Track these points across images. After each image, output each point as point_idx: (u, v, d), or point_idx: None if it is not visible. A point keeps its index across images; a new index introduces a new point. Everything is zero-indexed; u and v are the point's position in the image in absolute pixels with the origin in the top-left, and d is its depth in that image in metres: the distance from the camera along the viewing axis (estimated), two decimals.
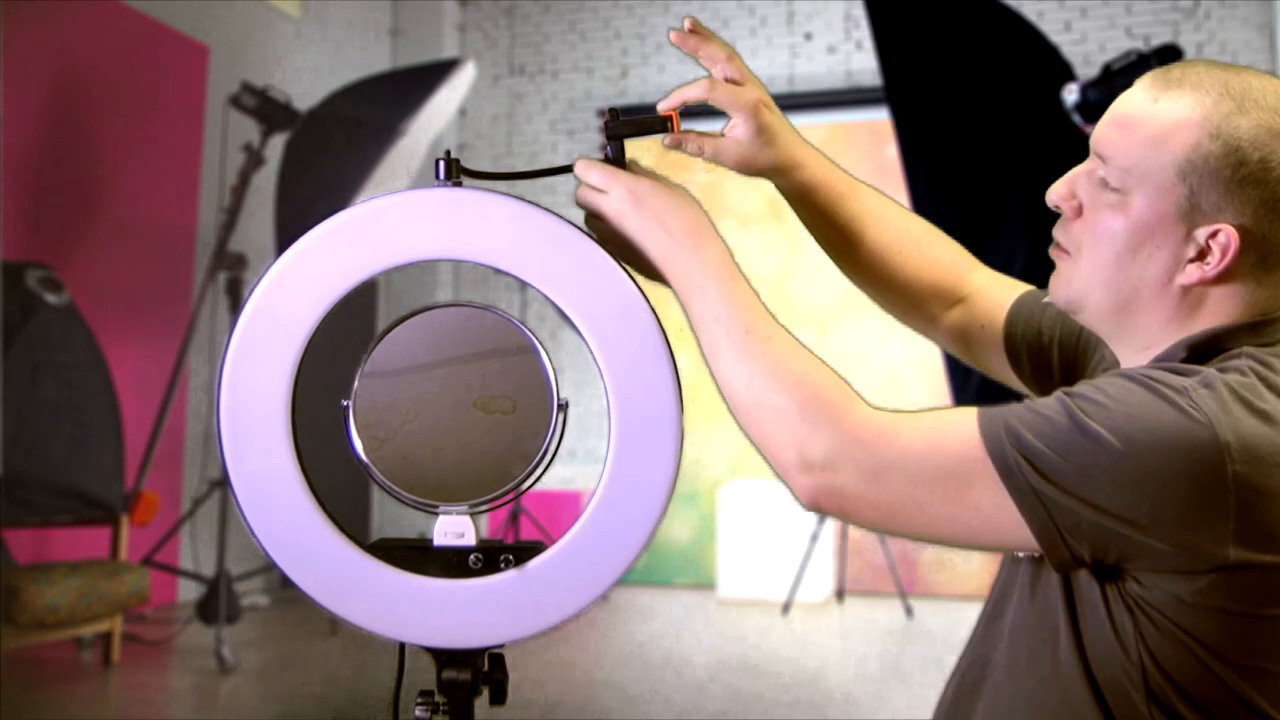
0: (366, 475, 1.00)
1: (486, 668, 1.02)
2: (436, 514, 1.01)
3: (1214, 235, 0.96)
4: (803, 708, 3.97)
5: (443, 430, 1.01)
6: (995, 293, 1.25)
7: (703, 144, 1.13)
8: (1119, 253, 0.99)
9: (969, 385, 4.02)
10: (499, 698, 1.02)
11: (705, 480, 6.56)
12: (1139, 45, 5.97)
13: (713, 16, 6.84)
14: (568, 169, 1.13)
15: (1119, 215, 0.99)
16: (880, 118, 5.90)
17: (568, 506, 6.05)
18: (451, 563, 1.00)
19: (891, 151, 4.53)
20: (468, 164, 1.05)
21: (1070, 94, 3.96)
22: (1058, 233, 1.05)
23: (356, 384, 1.00)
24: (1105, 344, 1.08)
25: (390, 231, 1.00)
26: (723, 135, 1.15)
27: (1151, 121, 0.97)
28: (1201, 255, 0.97)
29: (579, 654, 4.70)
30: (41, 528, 4.49)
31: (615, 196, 1.04)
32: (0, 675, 3.84)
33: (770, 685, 4.27)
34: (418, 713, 0.99)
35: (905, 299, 1.27)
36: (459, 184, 1.03)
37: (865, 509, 0.94)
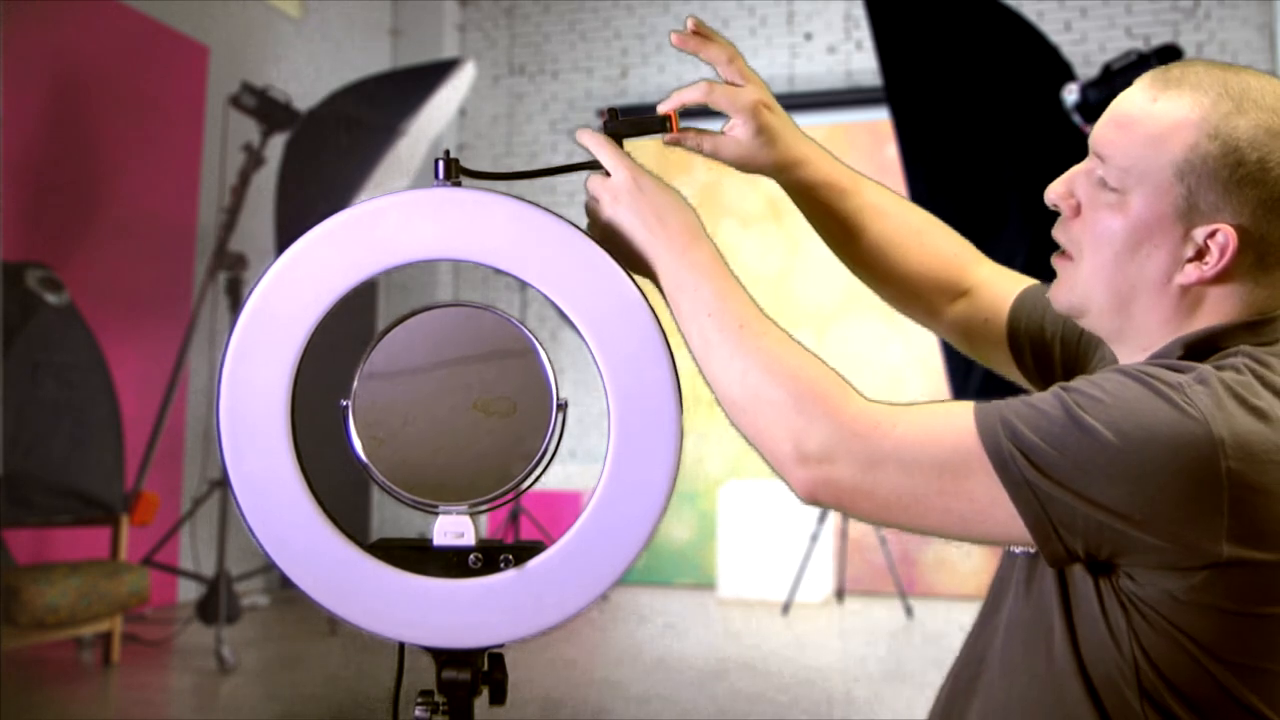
0: (366, 475, 1.00)
1: (486, 667, 1.02)
2: (436, 514, 1.01)
3: (1212, 235, 0.96)
4: (803, 708, 3.97)
5: (442, 430, 1.01)
6: (999, 286, 1.25)
7: (702, 140, 1.14)
8: (1117, 252, 0.99)
9: (969, 385, 4.01)
10: (499, 697, 1.02)
11: (705, 480, 6.56)
12: (1139, 45, 5.97)
13: (713, 16, 6.84)
14: (568, 169, 1.13)
15: (1117, 215, 0.99)
16: (880, 118, 5.90)
17: (568, 506, 6.05)
18: (451, 563, 1.00)
19: (891, 151, 4.53)
20: (467, 164, 1.05)
21: (1070, 94, 3.96)
22: (1057, 233, 1.05)
23: (356, 384, 1.00)
24: (1106, 343, 1.09)
25: (390, 231, 1.00)
26: (722, 134, 1.15)
27: (1150, 121, 0.97)
28: (1200, 255, 0.97)
29: (579, 653, 4.70)
30: (41, 528, 4.49)
31: (618, 179, 1.05)
32: (0, 675, 3.84)
33: (770, 685, 4.27)
34: (417, 713, 0.99)
35: (908, 292, 1.27)
36: (458, 184, 1.04)
37: (861, 500, 0.95)
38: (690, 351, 1.03)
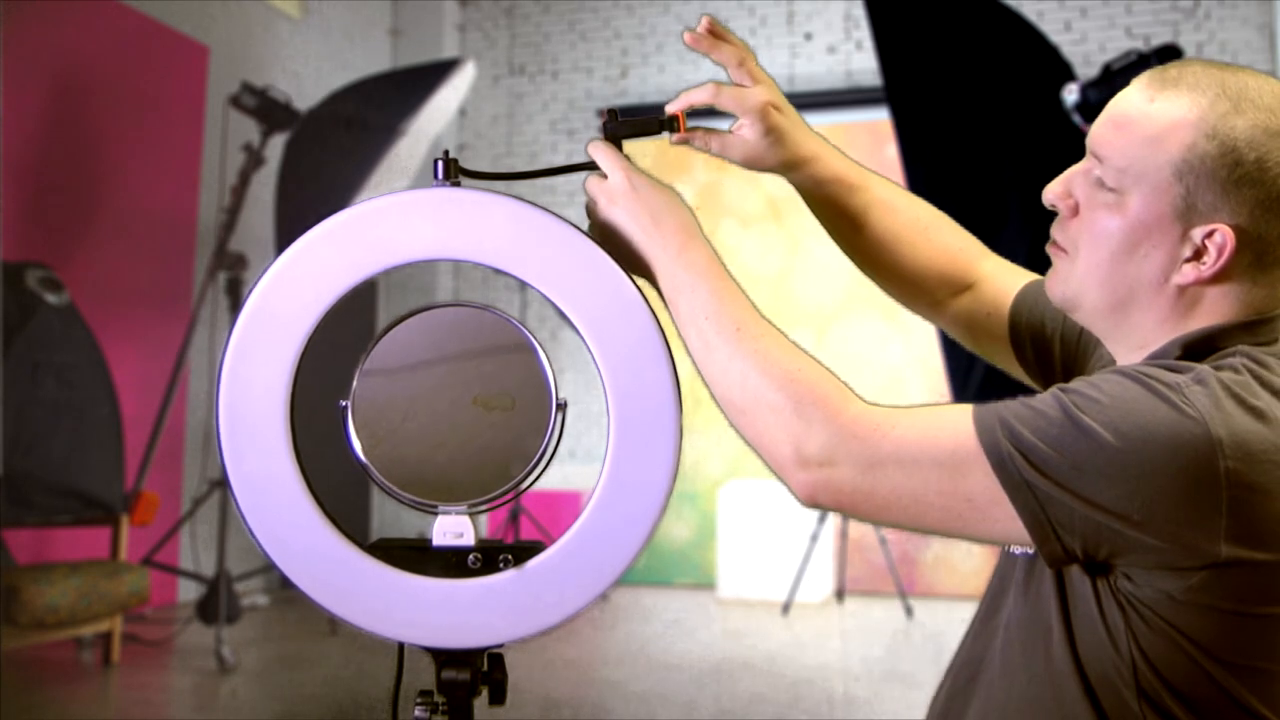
0: (366, 475, 1.00)
1: (486, 667, 1.02)
2: (436, 514, 1.01)
3: (1210, 235, 0.96)
4: (803, 708, 3.98)
5: (442, 430, 1.01)
6: (1003, 280, 1.25)
7: (709, 140, 1.15)
8: (1115, 252, 0.99)
9: (969, 385, 4.01)
10: (498, 697, 1.02)
11: (705, 480, 6.56)
12: (1139, 45, 5.97)
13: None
14: (567, 169, 1.13)
15: (1115, 215, 0.99)
16: (880, 118, 5.90)
17: (567, 506, 6.05)
18: (451, 563, 1.00)
19: (891, 151, 4.53)
20: (467, 164, 1.05)
21: (1070, 94, 3.95)
22: (1055, 231, 1.05)
23: (355, 384, 1.00)
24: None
25: (390, 231, 1.01)
26: (730, 134, 1.16)
27: (1148, 121, 0.97)
28: (1198, 255, 0.97)
29: (579, 653, 4.70)
30: (41, 528, 4.49)
31: (613, 180, 1.06)
32: (0, 675, 3.84)
33: (770, 685, 4.27)
34: (417, 713, 0.99)
35: (913, 286, 1.27)
36: (458, 184, 1.04)
37: (861, 502, 0.95)
38: (689, 353, 1.03)
